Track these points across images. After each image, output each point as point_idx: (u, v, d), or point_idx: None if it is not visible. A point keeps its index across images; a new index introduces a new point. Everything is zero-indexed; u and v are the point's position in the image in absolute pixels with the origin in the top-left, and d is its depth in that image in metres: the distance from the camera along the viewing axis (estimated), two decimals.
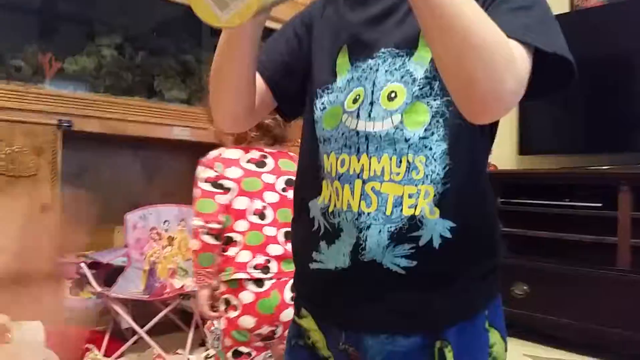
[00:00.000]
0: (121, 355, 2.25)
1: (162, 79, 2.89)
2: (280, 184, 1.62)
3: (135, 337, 2.21)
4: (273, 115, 0.98)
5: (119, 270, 2.41)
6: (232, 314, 1.54)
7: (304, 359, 0.87)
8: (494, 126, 0.81)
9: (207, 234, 1.57)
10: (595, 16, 3.00)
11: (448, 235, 0.73)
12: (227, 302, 1.56)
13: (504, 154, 3.24)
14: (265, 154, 1.64)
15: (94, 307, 2.40)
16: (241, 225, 1.56)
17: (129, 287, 2.35)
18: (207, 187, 1.59)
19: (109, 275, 2.39)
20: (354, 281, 0.77)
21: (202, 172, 1.61)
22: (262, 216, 1.57)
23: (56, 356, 1.92)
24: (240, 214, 1.56)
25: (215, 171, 1.59)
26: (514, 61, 0.61)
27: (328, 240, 0.79)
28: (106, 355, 2.18)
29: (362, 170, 0.75)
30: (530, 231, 2.78)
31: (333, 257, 0.78)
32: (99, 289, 2.22)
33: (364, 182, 0.75)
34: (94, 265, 2.33)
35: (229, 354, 1.59)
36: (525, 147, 3.20)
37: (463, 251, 0.75)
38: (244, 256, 1.53)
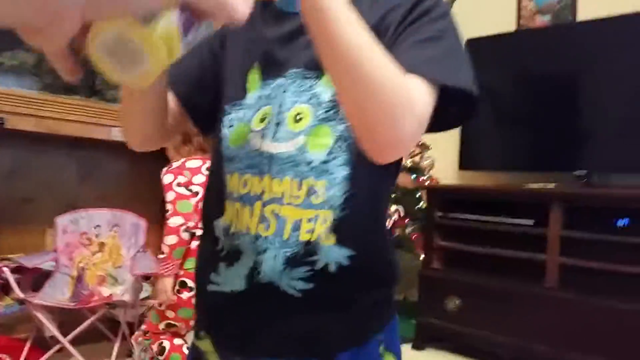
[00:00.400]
0: None
1: (105, 78, 2.83)
2: None
3: (57, 346, 2.14)
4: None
5: (47, 275, 2.33)
6: (186, 294, 1.83)
7: None
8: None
9: (186, 230, 1.82)
10: (540, 36, 3.09)
11: (344, 262, 0.73)
12: (183, 284, 1.85)
13: (445, 168, 3.29)
14: None
15: (14, 313, 2.32)
16: None
17: (55, 293, 2.27)
18: (182, 190, 1.85)
19: (37, 280, 2.31)
20: (249, 305, 0.75)
21: (174, 178, 1.86)
22: None
23: None
24: None
25: (185, 177, 1.86)
26: (412, 102, 0.61)
27: (228, 262, 0.77)
28: None
29: (263, 192, 0.74)
30: (465, 246, 2.82)
31: (230, 279, 0.76)
32: (21, 295, 2.14)
33: (264, 205, 0.74)
34: (19, 270, 2.25)
35: (163, 324, 1.90)
36: (465, 162, 3.25)
37: (359, 277, 0.75)
38: None
